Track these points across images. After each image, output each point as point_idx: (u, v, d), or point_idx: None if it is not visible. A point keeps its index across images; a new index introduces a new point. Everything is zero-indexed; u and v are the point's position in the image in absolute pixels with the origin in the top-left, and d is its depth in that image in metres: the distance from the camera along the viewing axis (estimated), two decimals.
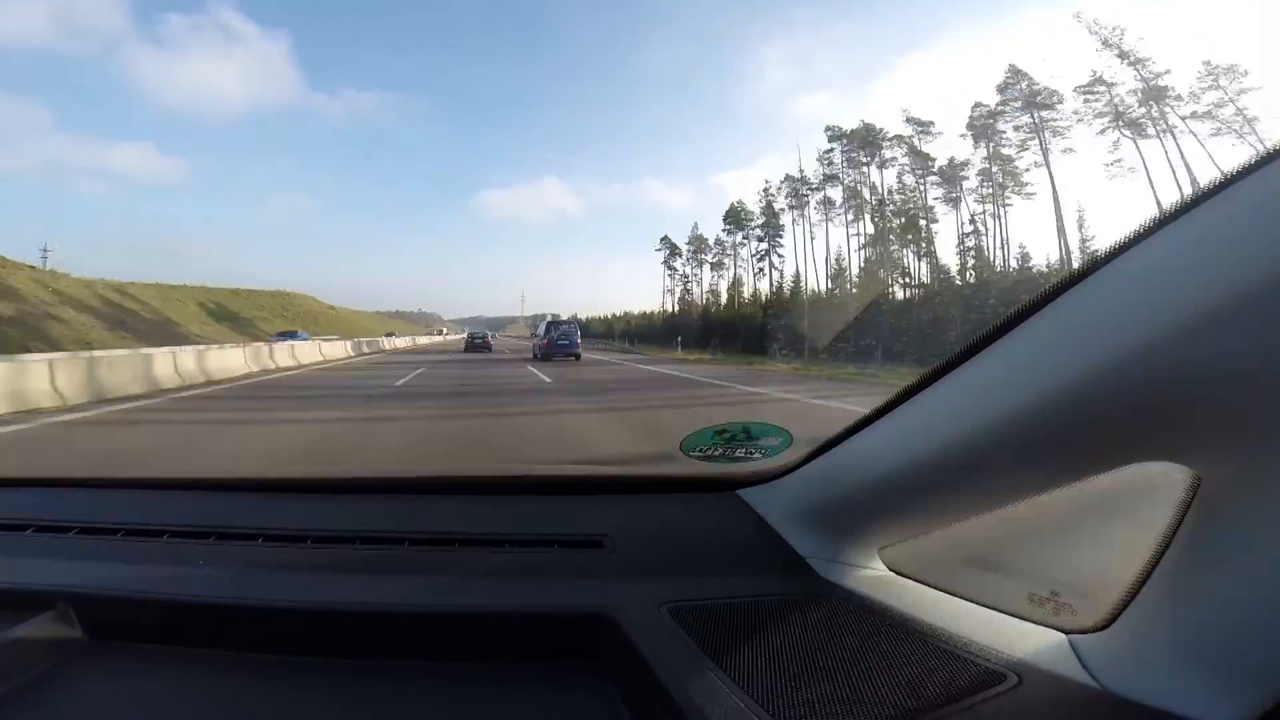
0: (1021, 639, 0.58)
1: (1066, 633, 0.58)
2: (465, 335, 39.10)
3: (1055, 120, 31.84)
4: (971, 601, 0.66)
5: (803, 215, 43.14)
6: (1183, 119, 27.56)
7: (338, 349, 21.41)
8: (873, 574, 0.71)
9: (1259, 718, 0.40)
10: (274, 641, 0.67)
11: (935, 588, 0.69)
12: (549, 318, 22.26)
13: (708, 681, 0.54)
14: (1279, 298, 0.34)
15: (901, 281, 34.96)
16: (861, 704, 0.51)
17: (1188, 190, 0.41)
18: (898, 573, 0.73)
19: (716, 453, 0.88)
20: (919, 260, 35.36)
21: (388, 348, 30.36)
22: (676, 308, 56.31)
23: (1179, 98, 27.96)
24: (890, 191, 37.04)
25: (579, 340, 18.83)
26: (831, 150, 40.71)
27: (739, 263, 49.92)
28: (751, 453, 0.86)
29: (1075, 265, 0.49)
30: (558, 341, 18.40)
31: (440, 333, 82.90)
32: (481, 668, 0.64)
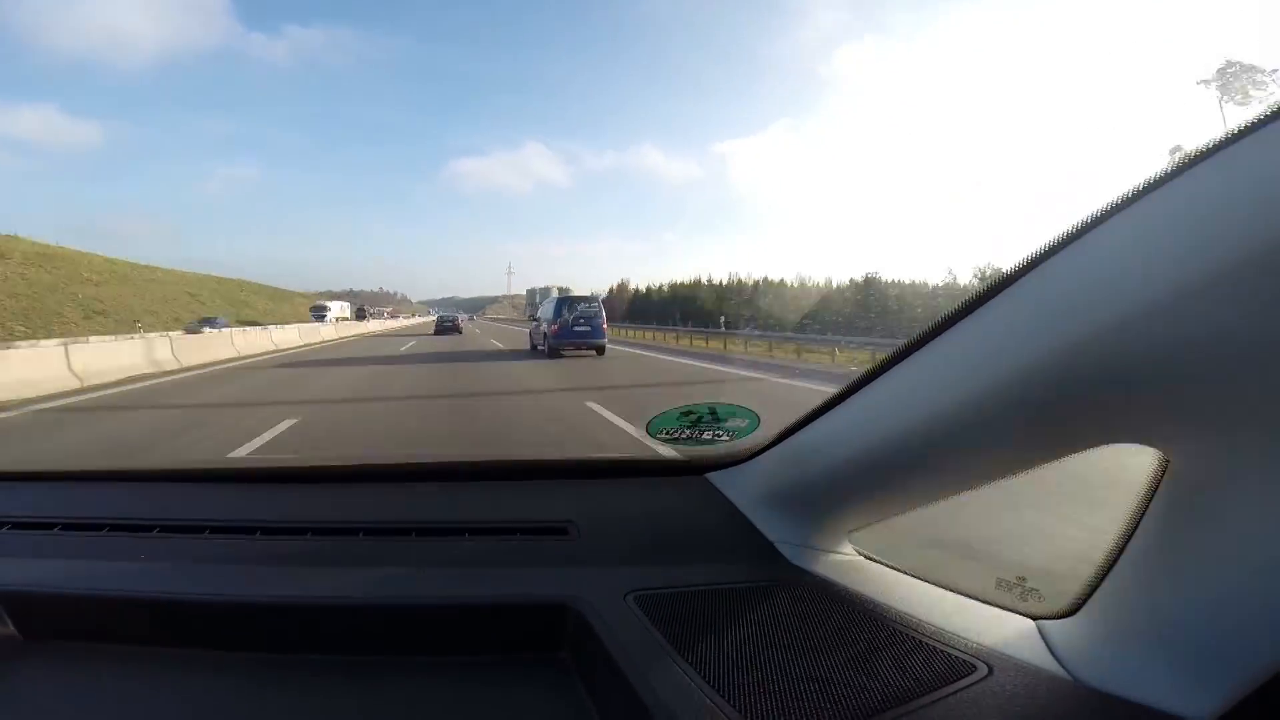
0: (990, 626, 0.57)
1: (1035, 619, 0.57)
2: (435, 318, 35.38)
3: None
4: (941, 586, 0.65)
5: None
6: None
7: None
8: (843, 559, 0.69)
9: (1232, 709, 0.39)
10: (220, 638, 0.64)
11: (905, 572, 0.68)
12: (555, 292, 16.93)
13: (673, 675, 0.51)
14: (1244, 280, 0.34)
15: None
16: (832, 695, 0.49)
17: None
18: (868, 557, 0.71)
19: (684, 435, 0.84)
20: None
21: None
22: None
23: None
24: None
25: (604, 324, 13.22)
26: None
27: None
28: (719, 434, 0.83)
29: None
30: (574, 327, 12.63)
31: (338, 319, 40.18)
32: (441, 662, 0.62)
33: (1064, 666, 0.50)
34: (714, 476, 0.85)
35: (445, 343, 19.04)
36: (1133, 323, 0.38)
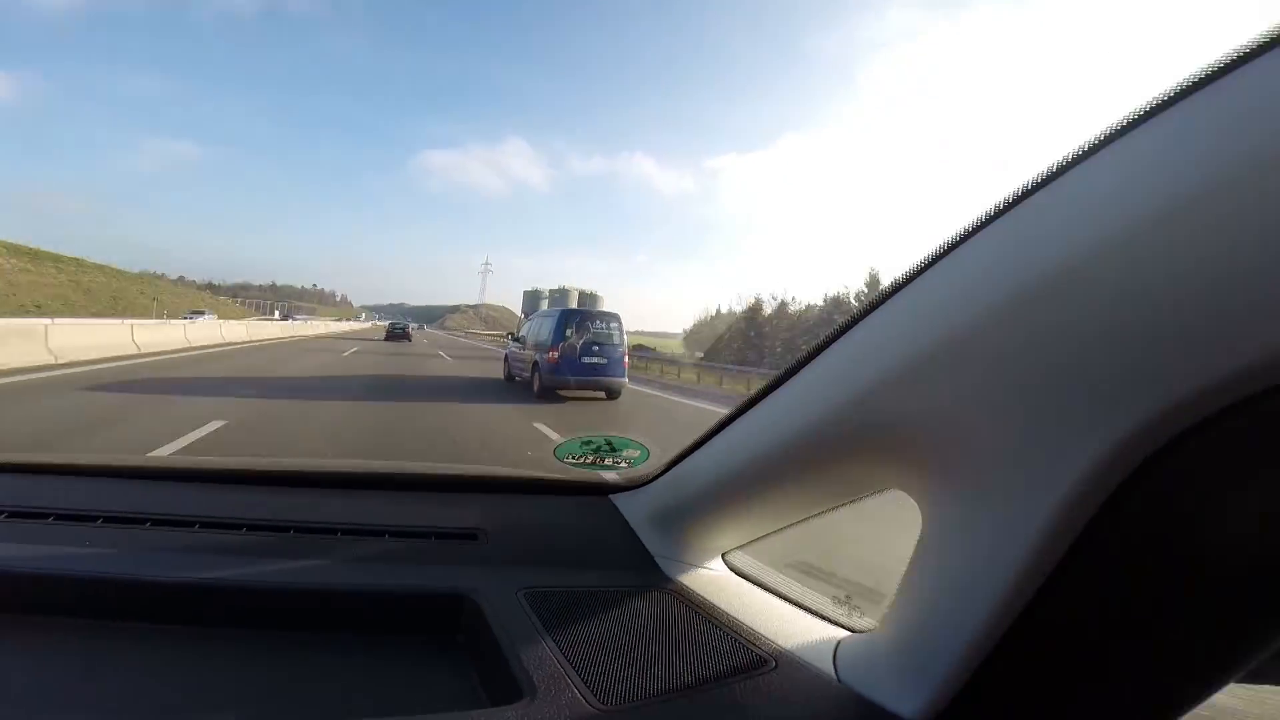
0: (799, 634, 0.68)
1: (853, 631, 0.68)
2: (368, 324, 35.35)
3: None
4: (789, 601, 0.77)
5: None
6: None
7: None
8: (707, 572, 0.81)
9: (944, 710, 0.49)
10: (152, 612, 0.70)
11: (763, 587, 0.80)
12: (576, 300, 12.40)
13: (543, 656, 0.61)
14: (953, 357, 0.46)
15: None
16: (653, 675, 0.60)
17: None
18: (739, 573, 0.83)
19: (587, 460, 0.94)
20: None
21: None
22: None
23: None
24: None
25: (626, 355, 9.16)
26: None
27: None
28: (618, 462, 0.94)
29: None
30: (582, 357, 8.60)
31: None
32: (355, 640, 0.69)
33: (835, 669, 0.60)
34: (616, 498, 0.95)
35: (379, 361, 14.66)
36: (869, 395, 0.52)
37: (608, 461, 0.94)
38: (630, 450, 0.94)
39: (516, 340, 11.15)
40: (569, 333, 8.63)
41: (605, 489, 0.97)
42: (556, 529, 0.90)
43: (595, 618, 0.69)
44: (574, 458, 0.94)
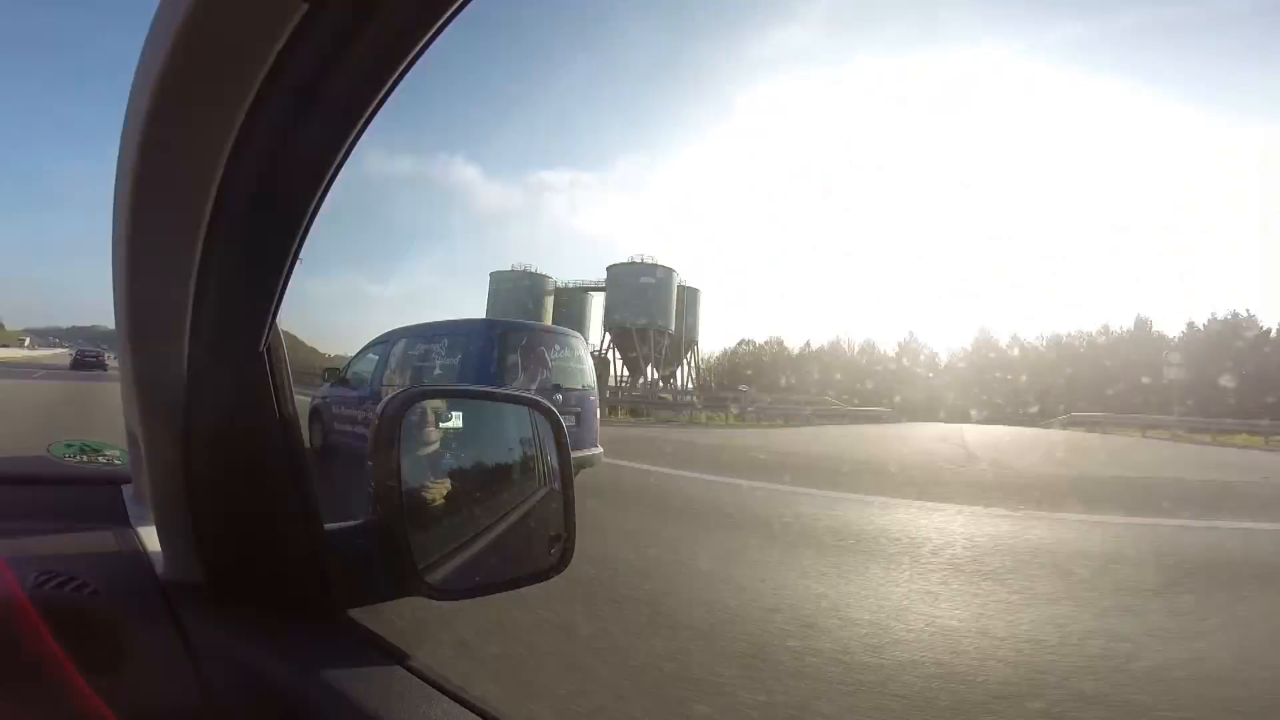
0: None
1: None
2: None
3: None
4: None
5: None
6: None
7: None
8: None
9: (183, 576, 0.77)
10: None
11: None
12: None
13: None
14: None
15: None
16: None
17: None
18: None
19: (83, 459, 1.25)
20: None
21: None
22: None
23: None
24: None
25: (596, 406, 5.55)
26: None
27: None
28: (113, 460, 1.26)
29: None
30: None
31: None
32: None
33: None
34: (125, 487, 1.26)
35: None
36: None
37: (102, 459, 1.26)
38: (110, 451, 1.27)
39: (351, 386, 6.25)
40: (507, 368, 4.72)
41: (120, 480, 1.28)
42: (66, 505, 1.18)
43: (49, 540, 0.95)
44: (68, 456, 1.24)
